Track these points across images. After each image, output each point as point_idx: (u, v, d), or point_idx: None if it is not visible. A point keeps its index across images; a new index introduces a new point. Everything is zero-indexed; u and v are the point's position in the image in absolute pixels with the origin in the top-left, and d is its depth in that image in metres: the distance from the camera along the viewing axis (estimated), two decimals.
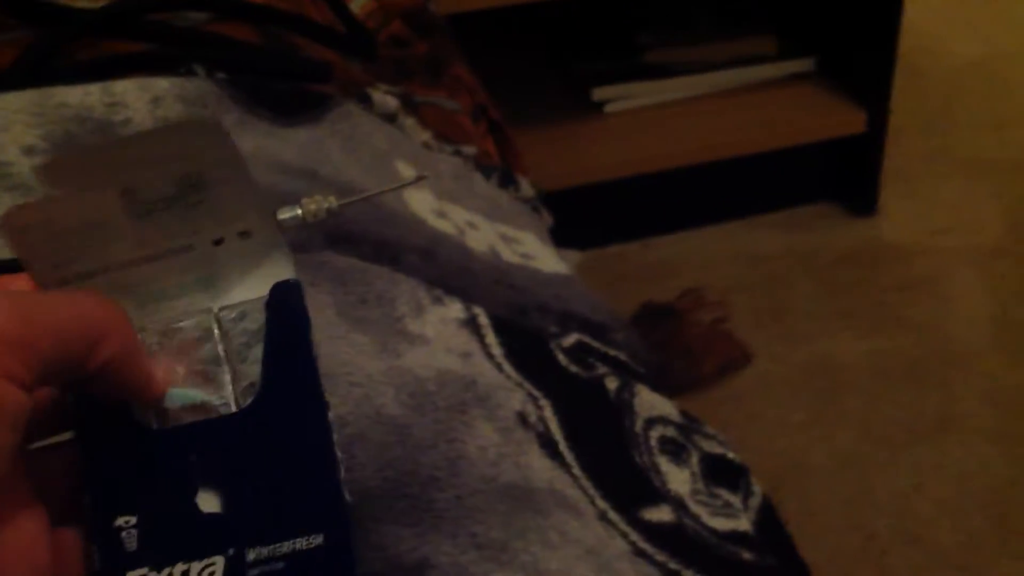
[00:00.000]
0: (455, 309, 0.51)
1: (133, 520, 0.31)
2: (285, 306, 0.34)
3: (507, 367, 0.50)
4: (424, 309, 0.50)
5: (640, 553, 0.45)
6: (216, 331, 0.33)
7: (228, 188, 0.34)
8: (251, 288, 0.34)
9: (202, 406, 0.32)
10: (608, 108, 1.48)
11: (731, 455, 0.55)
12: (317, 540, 0.32)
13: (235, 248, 0.34)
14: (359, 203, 0.53)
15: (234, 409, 0.32)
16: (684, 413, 0.55)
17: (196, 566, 0.31)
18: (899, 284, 1.43)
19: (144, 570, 0.31)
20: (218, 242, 0.34)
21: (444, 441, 0.43)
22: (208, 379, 0.33)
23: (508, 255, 0.64)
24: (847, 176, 1.58)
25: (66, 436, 0.32)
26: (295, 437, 0.33)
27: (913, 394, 1.26)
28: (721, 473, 0.54)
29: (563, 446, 0.47)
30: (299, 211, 0.44)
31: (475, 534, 0.39)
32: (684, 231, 1.55)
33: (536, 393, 0.49)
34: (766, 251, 1.50)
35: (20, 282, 0.33)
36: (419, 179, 0.52)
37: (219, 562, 0.31)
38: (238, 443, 0.32)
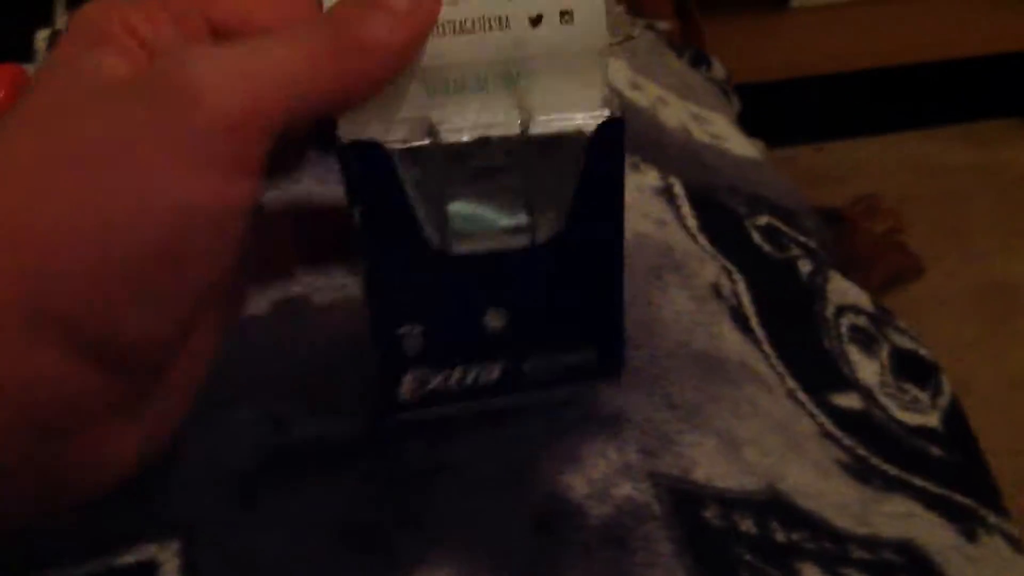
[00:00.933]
0: (651, 176, 0.51)
1: (416, 329, 0.30)
2: (607, 148, 0.30)
3: (701, 238, 0.49)
4: None
5: (828, 435, 0.44)
6: (522, 155, 0.29)
7: None
8: (563, 103, 0.29)
9: (496, 234, 0.30)
10: (794, 3, 1.43)
11: (923, 351, 0.53)
12: (592, 354, 0.32)
13: (553, 35, 0.29)
14: None
15: (528, 242, 0.30)
16: (877, 304, 0.53)
17: (474, 368, 0.31)
18: None
19: (423, 370, 0.31)
20: (536, 21, 0.29)
21: (641, 303, 0.42)
22: (504, 204, 0.30)
23: (699, 134, 0.63)
24: None
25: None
26: (589, 271, 0.31)
27: None
28: (911, 368, 0.52)
29: (755, 322, 0.46)
30: None
31: (669, 394, 0.39)
32: (860, 137, 1.49)
33: (730, 267, 0.48)
34: (946, 164, 1.44)
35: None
36: (628, 38, 0.51)
37: (496, 368, 0.31)
38: (531, 273, 0.31)
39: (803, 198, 0.65)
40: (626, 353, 0.33)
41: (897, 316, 0.56)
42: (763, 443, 0.40)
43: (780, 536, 0.36)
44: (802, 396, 0.45)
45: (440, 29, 0.28)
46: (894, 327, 0.54)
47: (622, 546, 0.33)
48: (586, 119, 0.29)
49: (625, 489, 0.35)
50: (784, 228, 0.57)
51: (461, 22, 0.28)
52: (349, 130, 0.28)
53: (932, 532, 0.41)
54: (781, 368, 0.45)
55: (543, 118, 0.29)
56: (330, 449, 0.35)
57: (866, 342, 0.51)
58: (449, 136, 0.28)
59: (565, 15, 0.29)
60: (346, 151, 0.28)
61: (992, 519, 0.45)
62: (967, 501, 0.45)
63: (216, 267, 0.26)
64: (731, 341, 0.44)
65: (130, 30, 0.27)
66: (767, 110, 1.43)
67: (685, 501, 0.35)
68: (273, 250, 0.33)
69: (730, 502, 0.36)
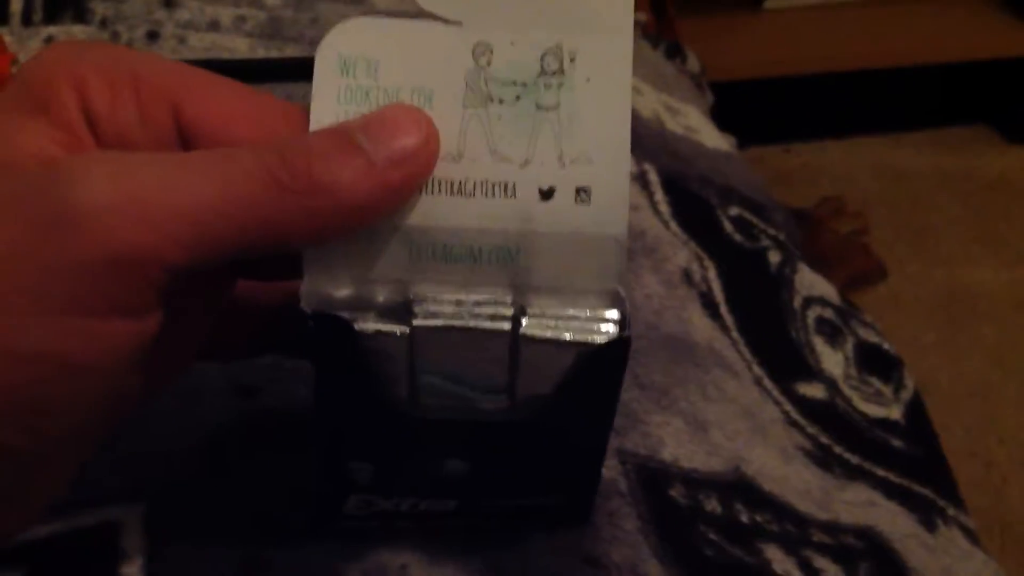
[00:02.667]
0: None
1: (366, 466, 0.28)
2: (609, 363, 0.26)
3: (674, 225, 0.49)
4: None
5: (793, 423, 0.44)
6: (510, 343, 0.25)
7: (599, 88, 0.25)
8: (564, 287, 0.25)
9: (469, 407, 0.26)
10: (767, 4, 1.43)
11: (886, 345, 0.54)
12: (560, 500, 0.30)
13: (565, 213, 0.25)
14: None
15: (503, 419, 0.26)
16: (844, 298, 0.54)
17: (427, 501, 0.29)
18: None
19: (371, 496, 0.29)
20: (547, 195, 0.25)
21: None
22: (482, 383, 0.26)
23: (672, 125, 0.63)
24: (1006, 100, 1.51)
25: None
26: (570, 446, 0.28)
27: None
28: (874, 362, 0.53)
29: (724, 308, 0.47)
30: None
31: (638, 375, 0.39)
32: (829, 139, 1.50)
33: (701, 253, 0.48)
34: (913, 168, 1.45)
35: (275, 109, 0.25)
36: None
37: (452, 502, 0.29)
38: (504, 441, 0.27)
39: (772, 194, 0.66)
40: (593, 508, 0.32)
41: (863, 310, 0.56)
42: (729, 426, 0.40)
43: (744, 517, 0.36)
44: (768, 383, 0.45)
45: (435, 186, 0.25)
46: (859, 321, 0.54)
47: (587, 522, 0.33)
48: (589, 325, 0.25)
49: None
50: (754, 220, 0.57)
51: (460, 183, 0.25)
52: (313, 287, 0.24)
53: (892, 520, 0.41)
54: (748, 355, 0.46)
55: (539, 311, 0.25)
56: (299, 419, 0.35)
57: (831, 334, 0.52)
58: (426, 320, 0.24)
59: (581, 192, 0.25)
60: (306, 319, 0.24)
61: (951, 511, 0.46)
62: (927, 492, 0.46)
63: (82, 416, 0.22)
64: (700, 326, 0.44)
65: (83, 99, 0.24)
66: (737, 109, 1.44)
67: (652, 479, 0.35)
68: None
69: (696, 482, 0.36)
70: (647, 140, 0.57)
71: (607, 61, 0.25)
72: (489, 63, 0.25)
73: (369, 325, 0.24)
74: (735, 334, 0.46)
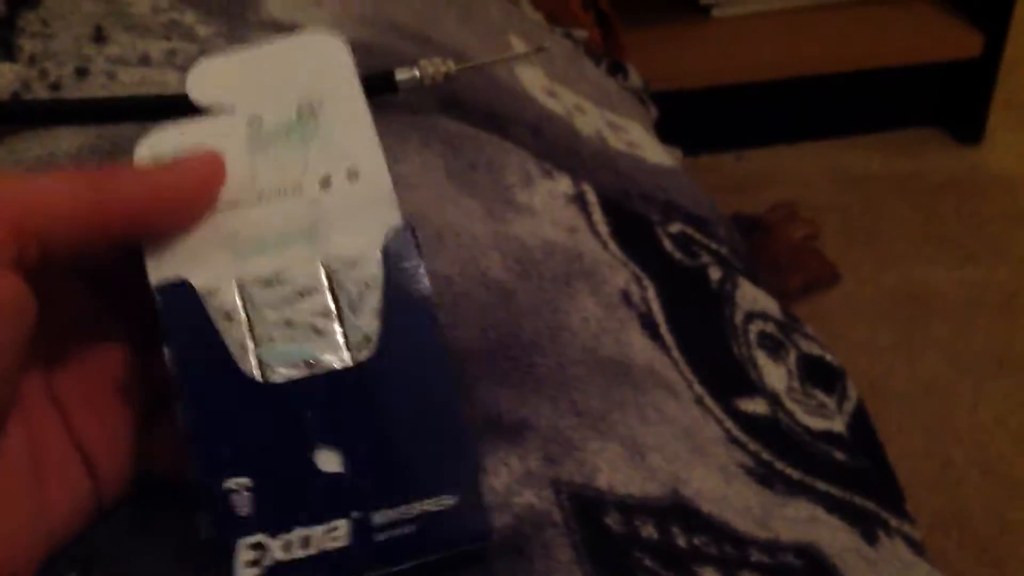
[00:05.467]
0: (563, 184, 0.51)
1: (246, 482, 0.29)
2: (401, 253, 0.32)
3: (612, 246, 0.49)
4: (533, 181, 0.49)
5: (734, 440, 0.44)
6: (325, 282, 0.32)
7: (342, 117, 0.34)
8: (357, 235, 0.32)
9: (312, 361, 0.31)
10: (715, 12, 1.44)
11: (829, 357, 0.54)
12: (449, 501, 0.30)
13: (342, 192, 0.33)
14: (472, 72, 0.52)
15: (344, 361, 0.31)
16: (785, 311, 0.54)
17: (318, 531, 0.29)
18: (1000, 215, 1.39)
19: (260, 537, 0.29)
20: (325, 184, 0.33)
21: (548, 310, 0.43)
22: (317, 332, 0.31)
23: (614, 141, 0.63)
24: (955, 101, 1.53)
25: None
26: (418, 392, 0.31)
27: (1005, 326, 1.23)
28: (817, 374, 0.53)
29: (664, 328, 0.47)
30: (416, 73, 0.44)
31: (575, 401, 0.39)
32: (780, 145, 1.51)
33: (640, 274, 0.48)
34: (864, 172, 1.47)
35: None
36: (539, 49, 0.51)
37: (343, 526, 0.30)
38: (356, 399, 0.30)
39: (716, 206, 0.66)
40: (492, 518, 0.33)
41: (807, 322, 0.57)
42: (668, 449, 0.40)
43: (681, 541, 0.36)
44: (709, 402, 0.45)
45: (241, 202, 0.32)
46: (801, 333, 0.55)
47: (520, 554, 0.33)
48: (377, 235, 0.32)
49: (526, 497, 0.35)
50: (696, 235, 0.57)
51: (260, 194, 0.33)
52: (156, 270, 0.31)
53: (833, 535, 0.41)
54: (689, 374, 0.46)
55: (339, 249, 0.32)
56: None
57: (774, 348, 0.52)
58: (252, 271, 0.32)
59: (352, 174, 0.33)
60: (155, 292, 0.31)
61: (894, 523, 0.46)
62: (869, 504, 0.46)
63: None
64: (639, 347, 0.44)
65: None
66: (689, 118, 1.45)
67: (587, 507, 0.35)
68: None
69: (632, 508, 0.36)
70: (588, 159, 0.57)
71: (343, 98, 0.34)
72: (262, 126, 0.34)
73: (204, 280, 0.31)
74: (676, 354, 0.46)
